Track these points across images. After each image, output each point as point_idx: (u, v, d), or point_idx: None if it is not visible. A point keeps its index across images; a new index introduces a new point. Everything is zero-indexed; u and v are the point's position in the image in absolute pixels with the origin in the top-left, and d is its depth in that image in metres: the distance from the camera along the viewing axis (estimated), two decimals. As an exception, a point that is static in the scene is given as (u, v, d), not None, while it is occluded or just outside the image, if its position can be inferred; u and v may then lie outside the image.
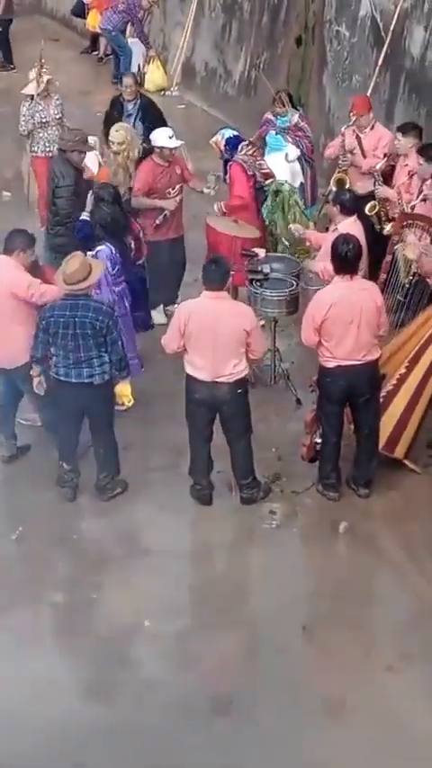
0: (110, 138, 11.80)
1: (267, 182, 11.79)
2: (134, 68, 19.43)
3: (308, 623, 8.37)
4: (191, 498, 9.51)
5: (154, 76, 19.52)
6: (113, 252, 10.12)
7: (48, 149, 13.57)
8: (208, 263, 9.29)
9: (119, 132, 11.77)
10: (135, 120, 13.55)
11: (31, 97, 13.60)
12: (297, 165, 13.13)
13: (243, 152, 11.73)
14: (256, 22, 17.54)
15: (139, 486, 9.67)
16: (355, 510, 9.44)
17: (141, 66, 19.85)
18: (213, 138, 11.97)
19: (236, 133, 11.95)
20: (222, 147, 11.71)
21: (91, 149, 11.84)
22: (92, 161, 11.85)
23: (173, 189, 11.60)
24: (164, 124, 13.05)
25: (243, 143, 11.86)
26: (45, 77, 13.60)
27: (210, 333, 8.86)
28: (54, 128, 13.58)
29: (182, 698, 7.71)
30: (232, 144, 11.67)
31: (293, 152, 13.04)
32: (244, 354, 9.02)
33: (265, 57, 17.28)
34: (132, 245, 10.59)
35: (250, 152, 11.85)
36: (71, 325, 8.97)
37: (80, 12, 21.19)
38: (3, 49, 20.96)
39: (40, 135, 13.63)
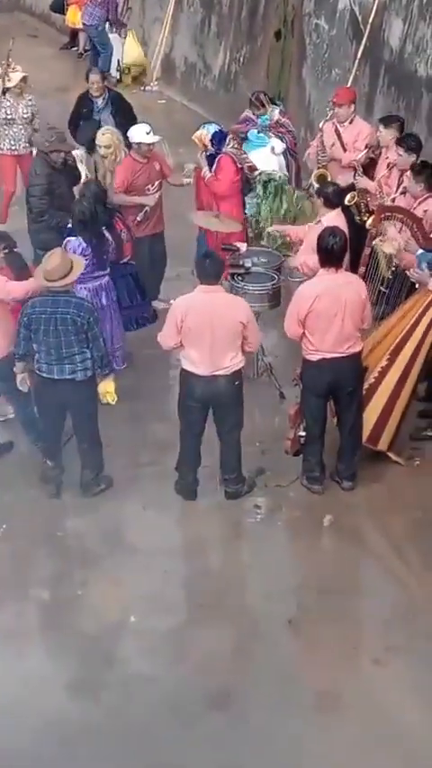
0: (96, 141, 11.84)
1: (255, 173, 11.75)
2: (114, 64, 19.45)
3: (294, 617, 8.38)
4: (175, 494, 9.51)
5: (131, 50, 19.49)
6: (84, 246, 10.12)
7: (13, 147, 13.66)
8: (202, 257, 9.29)
9: (105, 136, 11.82)
10: (106, 114, 13.54)
11: (3, 91, 13.65)
12: (283, 159, 13.16)
13: (231, 146, 11.73)
14: (235, 17, 17.54)
15: (123, 482, 9.66)
16: (339, 503, 9.45)
17: (120, 62, 19.83)
18: (197, 133, 11.94)
19: (220, 127, 11.93)
20: (208, 142, 11.69)
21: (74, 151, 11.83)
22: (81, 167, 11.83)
23: (152, 185, 11.58)
24: (134, 117, 13.09)
25: (229, 137, 11.84)
26: (18, 75, 13.65)
27: (207, 327, 8.86)
28: (21, 126, 13.68)
29: (171, 694, 7.71)
30: (218, 138, 11.66)
31: (279, 145, 13.07)
32: (240, 347, 9.03)
33: (244, 51, 17.27)
34: (113, 244, 10.55)
35: (236, 146, 11.86)
36: (52, 321, 8.96)
37: (59, 8, 21.14)
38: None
39: (6, 132, 13.66)
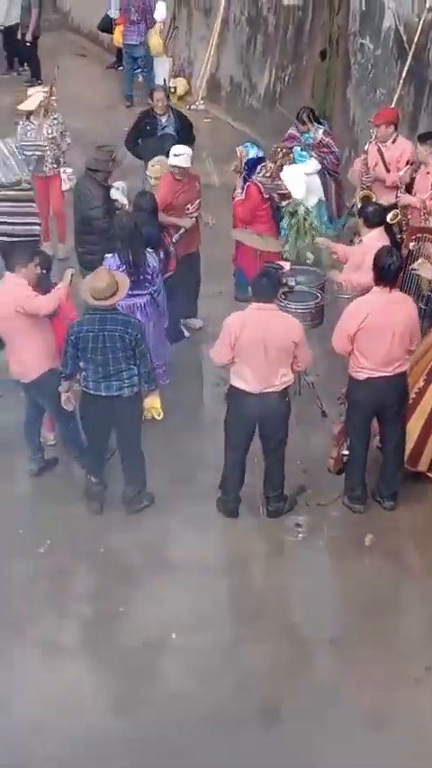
0: (147, 172, 11.92)
1: (284, 203, 11.76)
2: (159, 83, 19.58)
3: (335, 636, 8.38)
4: (216, 511, 9.54)
5: (153, 41, 19.62)
6: (118, 264, 10.17)
7: (40, 169, 13.52)
8: (259, 276, 9.32)
9: (155, 167, 11.95)
10: (170, 131, 13.62)
11: (27, 115, 13.61)
12: (315, 180, 13.10)
13: (261, 173, 11.75)
14: (281, 36, 17.61)
15: (165, 499, 9.69)
16: (380, 523, 9.45)
17: (167, 81, 19.96)
18: (239, 148, 12.01)
19: (259, 154, 11.94)
20: (242, 163, 11.76)
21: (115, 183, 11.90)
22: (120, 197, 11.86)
23: (191, 204, 11.64)
24: (193, 136, 13.14)
25: (261, 164, 11.86)
26: (35, 98, 13.57)
27: (261, 345, 8.88)
28: (47, 147, 13.49)
29: (211, 712, 7.71)
30: (251, 164, 11.72)
31: (312, 166, 13.05)
32: (290, 364, 9.08)
33: (289, 70, 17.34)
34: (162, 257, 10.61)
35: (268, 174, 11.87)
36: (100, 339, 8.99)
37: (107, 27, 21.33)
38: (32, 65, 21.10)
39: (31, 155, 13.36)
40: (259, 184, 11.63)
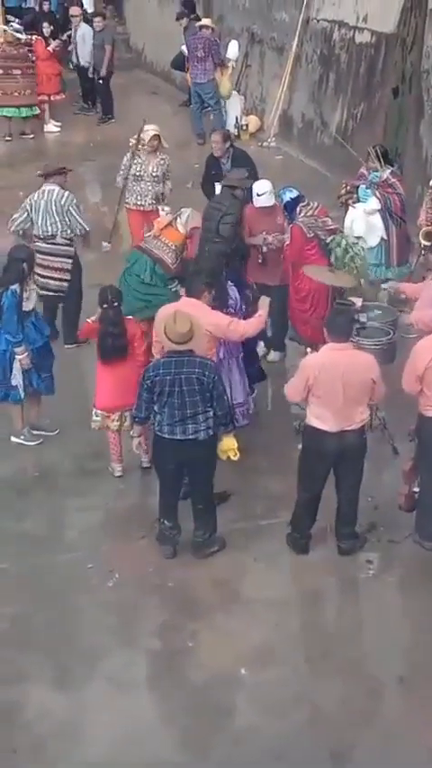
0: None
1: (329, 239, 11.71)
2: (232, 121, 19.72)
3: (405, 675, 8.30)
4: (287, 547, 9.50)
5: (223, 83, 19.85)
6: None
7: (139, 203, 13.82)
8: (333, 315, 9.30)
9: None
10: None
11: (134, 149, 13.93)
12: (376, 220, 12.98)
13: (302, 214, 11.72)
14: (353, 73, 17.66)
15: (235, 534, 9.67)
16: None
17: (239, 118, 20.08)
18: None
19: (294, 195, 11.93)
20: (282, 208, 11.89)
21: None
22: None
23: (269, 235, 11.83)
24: (256, 172, 13.20)
25: (301, 204, 11.84)
26: (149, 132, 13.88)
27: (339, 385, 8.87)
28: (149, 183, 13.89)
29: (278, 748, 7.66)
30: (290, 207, 11.74)
31: (373, 205, 12.99)
32: (367, 401, 9.08)
33: (361, 107, 17.37)
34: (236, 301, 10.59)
35: (312, 212, 11.79)
36: (177, 383, 8.94)
37: (180, 65, 21.49)
38: (104, 102, 21.34)
39: (133, 187, 13.87)
40: (302, 225, 11.60)
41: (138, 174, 13.91)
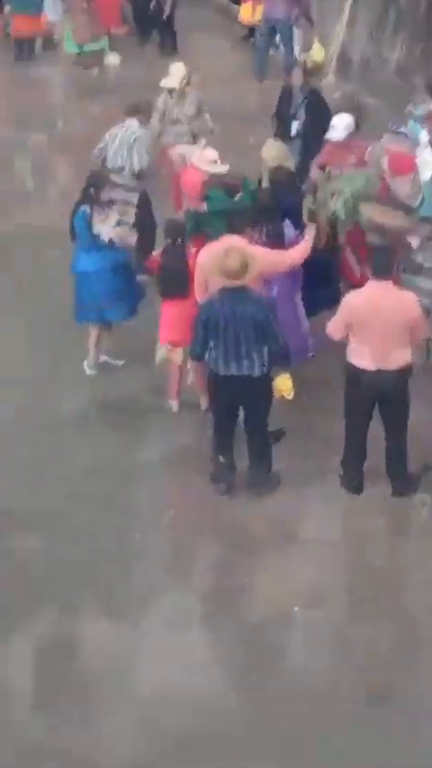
0: (262, 155, 11.87)
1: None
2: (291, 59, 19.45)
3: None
4: (340, 487, 9.50)
5: (317, 54, 19.45)
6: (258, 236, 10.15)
7: (176, 142, 13.75)
8: (376, 251, 9.24)
9: (270, 150, 11.84)
10: (302, 111, 13.70)
11: (169, 91, 13.86)
12: (428, 154, 12.78)
13: None
14: (412, 11, 17.42)
15: (288, 474, 9.65)
16: None
17: (297, 56, 19.81)
18: None
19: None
20: None
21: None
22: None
23: None
24: (328, 116, 13.01)
25: None
26: (175, 76, 13.85)
27: (378, 322, 8.83)
28: (185, 124, 13.84)
29: (329, 687, 7.72)
30: None
31: (424, 138, 12.78)
32: (409, 342, 9.01)
33: (421, 46, 17.14)
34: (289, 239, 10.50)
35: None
36: (231, 319, 8.94)
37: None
38: (168, 37, 21.09)
39: (170, 128, 13.83)
40: None
41: (174, 118, 13.86)
